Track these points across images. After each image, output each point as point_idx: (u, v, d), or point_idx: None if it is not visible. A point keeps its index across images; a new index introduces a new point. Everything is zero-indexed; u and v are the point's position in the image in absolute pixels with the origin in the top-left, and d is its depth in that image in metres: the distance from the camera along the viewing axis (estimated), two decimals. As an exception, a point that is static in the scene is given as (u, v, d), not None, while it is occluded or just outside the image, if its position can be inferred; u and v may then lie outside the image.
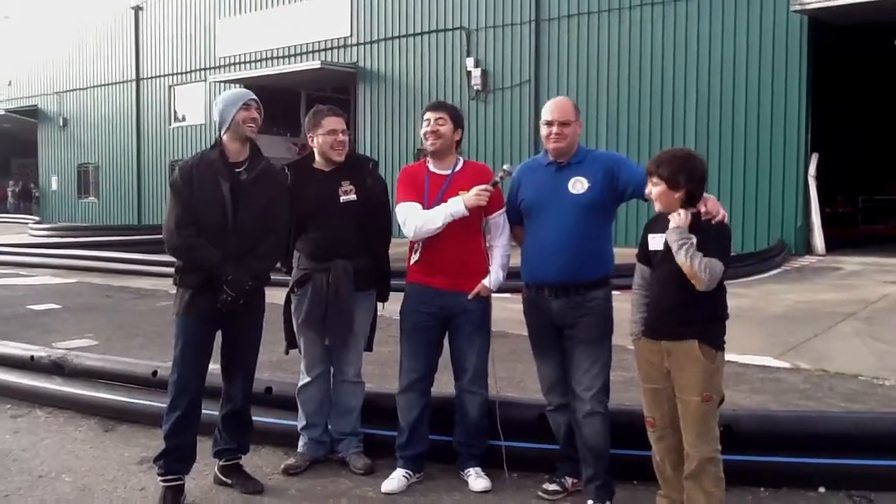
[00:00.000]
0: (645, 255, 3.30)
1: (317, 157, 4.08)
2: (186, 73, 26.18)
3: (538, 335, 3.72)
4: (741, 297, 9.43)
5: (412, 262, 3.90)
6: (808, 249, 14.89)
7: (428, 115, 3.88)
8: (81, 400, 5.03)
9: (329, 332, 3.97)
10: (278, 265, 4.07)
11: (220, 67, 24.57)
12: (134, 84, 27.97)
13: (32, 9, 31.60)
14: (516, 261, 3.79)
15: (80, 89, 30.15)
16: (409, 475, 3.86)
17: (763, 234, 15.07)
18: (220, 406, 3.84)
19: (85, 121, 30.14)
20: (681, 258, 3.02)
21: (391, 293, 4.18)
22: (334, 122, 4.01)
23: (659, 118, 16.34)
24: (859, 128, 21.89)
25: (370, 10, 20.98)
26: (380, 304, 4.19)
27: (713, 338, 3.13)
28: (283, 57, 22.89)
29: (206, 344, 3.72)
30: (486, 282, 3.82)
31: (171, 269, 3.82)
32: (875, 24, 15.23)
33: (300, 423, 4.15)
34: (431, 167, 3.91)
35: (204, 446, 3.87)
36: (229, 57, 24.54)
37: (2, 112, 32.45)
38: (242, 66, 23.94)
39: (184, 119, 26.67)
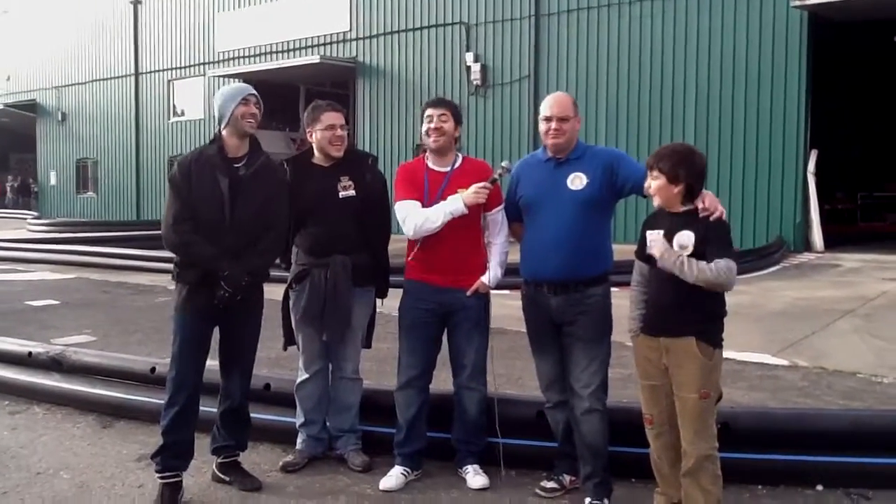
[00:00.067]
0: (643, 252, 3.29)
1: (316, 152, 4.06)
2: (185, 67, 26.16)
3: (537, 332, 3.71)
4: (740, 293, 9.42)
5: (411, 258, 3.89)
6: (807, 246, 14.92)
7: (430, 111, 3.84)
8: (79, 396, 5.02)
9: (326, 327, 3.95)
10: (277, 261, 4.06)
11: (219, 62, 24.56)
12: (133, 79, 27.95)
13: (31, 3, 31.55)
14: (515, 257, 3.78)
15: (78, 84, 30.12)
16: (408, 472, 3.85)
17: (762, 230, 15.08)
18: (219, 403, 3.83)
19: (84, 115, 30.12)
20: (693, 278, 3.01)
21: (390, 289, 4.17)
22: (333, 118, 3.99)
23: (658, 114, 16.34)
24: (859, 124, 21.91)
25: (369, 4, 20.96)
26: (379, 301, 4.18)
27: (711, 335, 3.13)
28: (283, 51, 22.87)
29: (203, 340, 3.71)
30: (484, 279, 3.81)
31: (170, 265, 3.81)
32: (875, 21, 15.22)
33: (298, 419, 4.14)
34: (431, 164, 3.89)
35: (202, 443, 3.86)
36: (228, 51, 24.52)
37: (0, 106, 32.39)
38: (241, 60, 23.93)
39: (183, 114, 26.66)
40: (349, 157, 4.07)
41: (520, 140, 18.04)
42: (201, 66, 25.24)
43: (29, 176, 37.37)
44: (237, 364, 3.80)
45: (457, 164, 3.88)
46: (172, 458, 3.65)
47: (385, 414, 4.03)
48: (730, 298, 3.22)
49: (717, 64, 15.64)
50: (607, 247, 3.67)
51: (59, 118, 30.92)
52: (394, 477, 3.81)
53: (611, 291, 3.63)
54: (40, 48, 31.21)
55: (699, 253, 3.06)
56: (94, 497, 3.75)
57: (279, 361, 5.43)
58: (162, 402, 3.73)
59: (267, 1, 23.47)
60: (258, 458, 4.15)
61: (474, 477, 3.81)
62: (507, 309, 4.57)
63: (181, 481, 3.68)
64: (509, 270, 3.89)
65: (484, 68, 18.77)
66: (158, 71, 27.15)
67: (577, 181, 3.55)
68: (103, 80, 29.05)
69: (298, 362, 4.16)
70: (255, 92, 3.74)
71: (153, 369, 4.73)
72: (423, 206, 3.77)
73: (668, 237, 3.14)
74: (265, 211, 3.69)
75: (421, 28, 19.95)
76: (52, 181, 31.82)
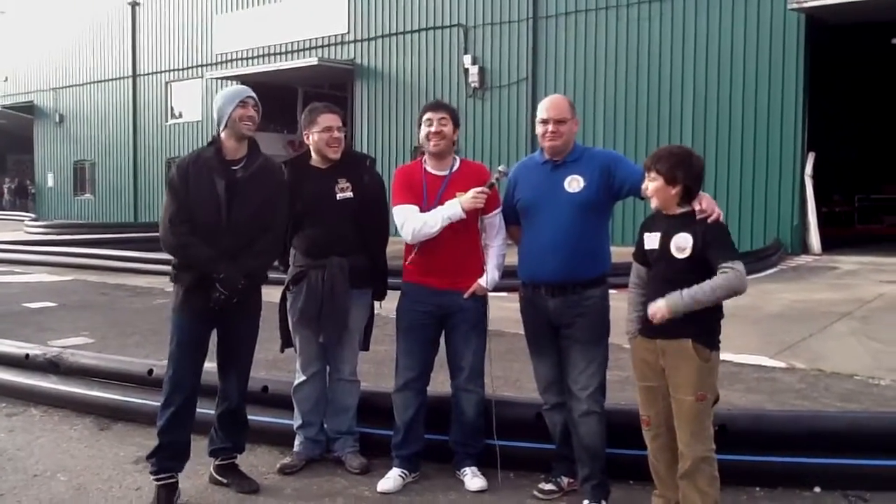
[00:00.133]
0: (641, 254, 3.30)
1: (313, 154, 4.06)
2: (183, 69, 26.13)
3: (535, 334, 3.71)
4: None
5: (409, 262, 3.89)
6: (805, 249, 14.92)
7: (429, 115, 3.83)
8: (77, 398, 5.01)
9: (323, 329, 3.95)
10: (275, 263, 4.05)
11: (216, 64, 24.53)
12: (130, 80, 27.91)
13: (29, 4, 31.51)
14: (512, 259, 3.78)
15: (76, 85, 30.08)
16: (405, 474, 3.85)
17: (759, 233, 15.08)
18: (216, 405, 3.83)
19: (81, 117, 30.08)
20: (713, 300, 3.02)
21: (388, 291, 4.16)
22: (330, 120, 3.99)
23: (656, 116, 16.35)
24: (856, 127, 21.93)
25: (367, 6, 20.96)
26: (377, 303, 4.18)
27: (708, 337, 3.13)
28: (280, 53, 22.86)
29: (201, 342, 3.70)
30: (481, 281, 3.81)
31: (167, 267, 3.81)
32: (872, 23, 15.25)
33: (296, 422, 4.14)
34: (428, 168, 3.88)
35: (199, 445, 3.85)
36: (226, 53, 24.50)
37: (-2, 108, 32.41)
38: (239, 62, 23.91)
39: (180, 116, 26.63)
40: (347, 159, 4.06)
41: (518, 142, 18.04)
42: (199, 68, 25.22)
43: (26, 178, 37.31)
44: (235, 366, 3.80)
45: (455, 168, 3.88)
46: (168, 458, 3.64)
47: (383, 416, 4.03)
48: (727, 301, 3.22)
49: (715, 66, 15.66)
50: (605, 249, 3.67)
51: (57, 120, 30.88)
52: (391, 479, 3.81)
53: (609, 293, 3.63)
54: (38, 49, 31.16)
55: (700, 257, 3.07)
56: (91, 499, 3.74)
57: (277, 363, 5.43)
58: (159, 404, 3.72)
59: (265, 3, 23.47)
60: (256, 461, 4.15)
61: (472, 479, 3.81)
62: (504, 311, 4.57)
63: (177, 482, 3.67)
64: (507, 272, 3.89)
65: (482, 71, 18.78)
66: (156, 73, 27.12)
67: (574, 183, 3.55)
68: (101, 81, 29.01)
69: (296, 364, 4.16)
70: (253, 94, 3.74)
71: (150, 371, 4.72)
72: (422, 209, 3.76)
73: (666, 239, 3.15)
74: (262, 213, 3.69)
75: (419, 30, 19.95)
76: (50, 183, 31.77)
